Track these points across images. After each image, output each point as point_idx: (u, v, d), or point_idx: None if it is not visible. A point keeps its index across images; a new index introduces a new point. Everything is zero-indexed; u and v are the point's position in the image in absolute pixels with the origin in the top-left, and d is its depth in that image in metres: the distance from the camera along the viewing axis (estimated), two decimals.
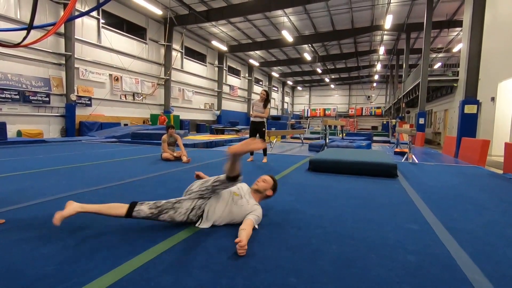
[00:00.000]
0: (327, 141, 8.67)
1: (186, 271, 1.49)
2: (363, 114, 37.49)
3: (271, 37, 20.48)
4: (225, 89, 24.68)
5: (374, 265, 1.59)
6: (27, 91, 11.07)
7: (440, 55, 23.04)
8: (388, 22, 14.54)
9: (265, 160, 5.82)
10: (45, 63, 11.71)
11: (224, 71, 24.11)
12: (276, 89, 36.28)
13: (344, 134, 14.27)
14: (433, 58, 21.98)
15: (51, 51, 11.73)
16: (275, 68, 29.95)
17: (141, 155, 6.48)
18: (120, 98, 15.19)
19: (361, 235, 2.03)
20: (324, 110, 38.03)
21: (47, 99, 11.76)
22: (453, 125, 12.74)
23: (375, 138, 14.90)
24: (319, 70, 29.19)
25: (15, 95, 10.71)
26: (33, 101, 11.30)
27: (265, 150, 6.00)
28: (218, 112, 23.56)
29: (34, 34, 7.45)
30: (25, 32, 6.10)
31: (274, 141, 8.70)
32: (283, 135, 14.72)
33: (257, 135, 5.77)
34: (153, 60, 17.06)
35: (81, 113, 13.04)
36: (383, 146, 12.23)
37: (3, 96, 10.33)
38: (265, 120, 5.75)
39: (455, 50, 18.66)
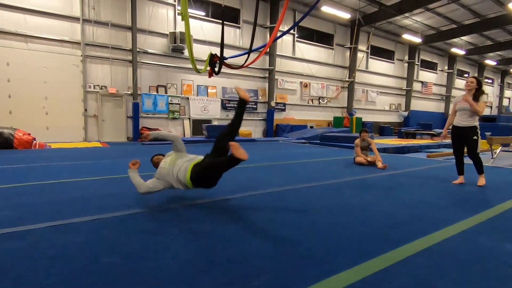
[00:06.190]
0: None
1: None
2: None
3: (488, 15, 15.94)
4: (416, 86, 21.62)
5: None
6: None
7: None
8: None
9: (481, 181, 3.78)
10: (255, 78, 14.70)
11: (416, 66, 21.17)
12: (490, 81, 27.91)
13: None
14: None
15: (259, 67, 14.58)
16: (490, 54, 23.07)
17: (332, 157, 6.84)
18: (308, 103, 16.69)
19: None
20: None
21: (255, 106, 14.75)
22: None
23: None
24: None
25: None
26: (246, 108, 14.52)
27: (480, 166, 3.80)
28: (406, 113, 21.06)
29: (251, 56, 9.40)
30: (245, 55, 7.85)
31: (498, 150, 6.71)
32: (505, 143, 11.20)
33: (462, 145, 3.93)
34: (338, 64, 17.55)
35: (277, 117, 15.41)
36: None
37: (231, 105, 13.86)
38: (477, 123, 3.77)
39: None
